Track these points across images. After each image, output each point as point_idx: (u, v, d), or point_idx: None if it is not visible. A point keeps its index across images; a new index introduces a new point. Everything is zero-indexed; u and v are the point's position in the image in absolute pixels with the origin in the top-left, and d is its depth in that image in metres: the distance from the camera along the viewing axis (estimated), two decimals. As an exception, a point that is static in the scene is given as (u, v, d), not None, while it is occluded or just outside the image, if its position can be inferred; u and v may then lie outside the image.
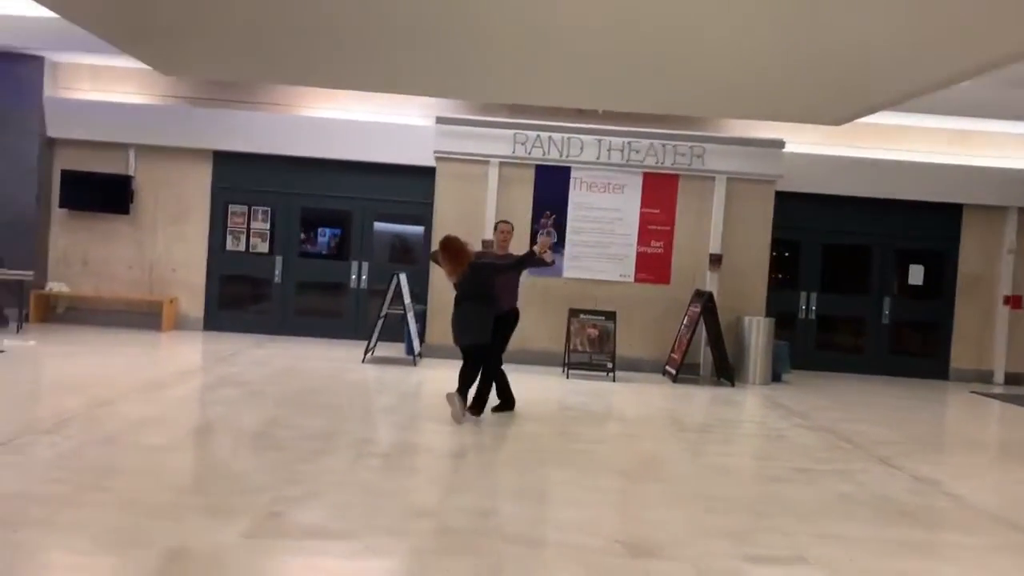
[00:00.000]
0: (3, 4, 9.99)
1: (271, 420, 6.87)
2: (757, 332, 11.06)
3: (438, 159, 11.24)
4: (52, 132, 12.00)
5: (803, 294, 12.76)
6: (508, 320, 7.65)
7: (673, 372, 10.79)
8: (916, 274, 12.82)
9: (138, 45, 7.84)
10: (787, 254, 12.93)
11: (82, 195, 12.13)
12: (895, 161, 12.22)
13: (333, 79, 9.95)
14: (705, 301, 10.64)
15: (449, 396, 7.08)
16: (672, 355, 11.09)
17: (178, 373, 8.91)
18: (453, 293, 10.95)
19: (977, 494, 5.99)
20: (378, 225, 12.69)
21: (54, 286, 12.04)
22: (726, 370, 10.78)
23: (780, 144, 11.40)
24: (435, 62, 8.58)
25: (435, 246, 7.60)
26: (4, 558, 3.62)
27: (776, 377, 11.31)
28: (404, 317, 10.52)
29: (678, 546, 4.43)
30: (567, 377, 10.35)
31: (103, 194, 12.15)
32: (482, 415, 7.40)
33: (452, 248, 7.14)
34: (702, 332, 10.99)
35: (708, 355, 11.16)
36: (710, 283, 11.36)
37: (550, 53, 7.67)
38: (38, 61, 11.76)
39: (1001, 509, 5.65)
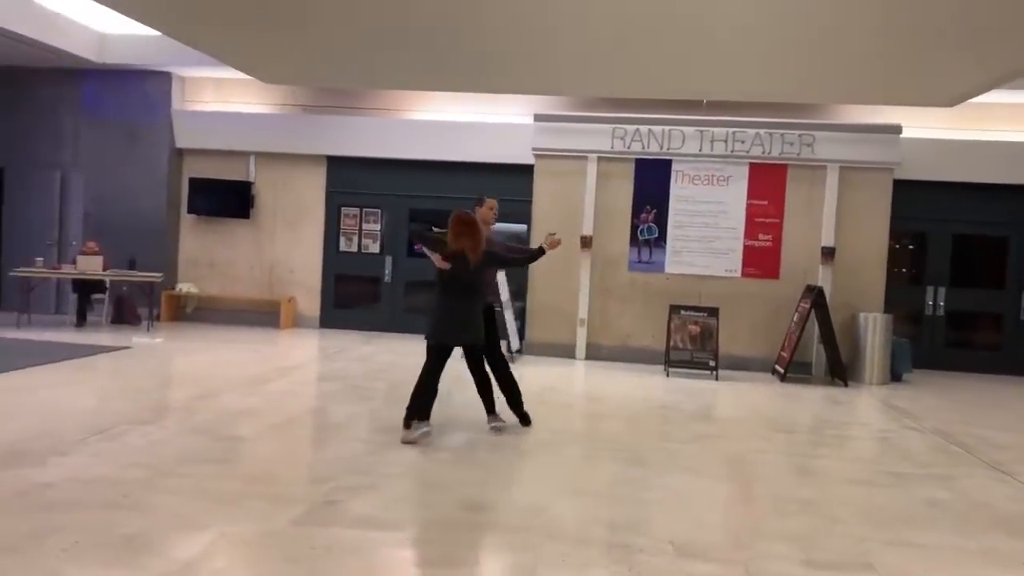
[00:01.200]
0: (132, 25, 10.75)
1: (357, 414, 7.06)
2: (873, 329, 10.44)
3: (536, 156, 11.24)
4: (180, 143, 12.82)
5: (930, 289, 11.95)
6: (493, 316, 6.81)
7: (781, 371, 10.34)
8: (1061, 266, 11.75)
9: (237, 57, 8.25)
10: (911, 246, 12.14)
11: (208, 201, 12.89)
12: (1034, 143, 11.26)
13: (426, 82, 10.19)
14: (815, 296, 10.14)
15: (494, 428, 6.46)
16: (781, 353, 10.64)
17: (283, 368, 9.31)
18: (548, 290, 11.03)
19: (1096, 505, 5.43)
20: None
21: (183, 287, 12.85)
22: (839, 369, 10.24)
23: (897, 129, 10.71)
24: (535, 61, 8.63)
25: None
26: (67, 537, 3.88)
27: (896, 377, 10.63)
28: (501, 314, 10.56)
29: (734, 548, 4.24)
30: (667, 375, 10.11)
31: (226, 200, 12.87)
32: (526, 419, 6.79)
33: (475, 225, 6.10)
34: (814, 329, 10.49)
35: (821, 353, 10.64)
36: (822, 278, 10.81)
37: (650, 45, 7.55)
38: (166, 76, 12.58)
39: (1121, 522, 5.09)
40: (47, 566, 3.56)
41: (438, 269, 6.10)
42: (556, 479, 5.49)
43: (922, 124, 11.18)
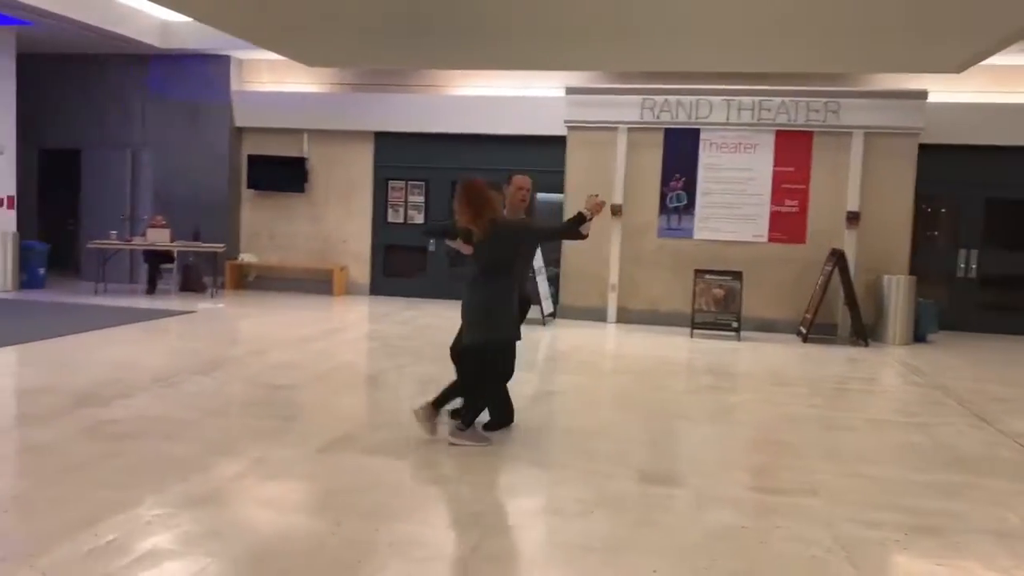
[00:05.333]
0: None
1: (388, 368, 7.79)
2: (897, 291, 10.70)
3: (569, 128, 11.74)
4: (239, 122, 13.70)
5: (962, 251, 12.07)
6: (523, 310, 5.75)
7: (804, 332, 10.71)
8: (1097, 227, 11.75)
9: (278, 43, 8.97)
10: (943, 210, 12.27)
11: (266, 177, 13.77)
12: (1067, 105, 11.25)
13: (464, 61, 10.74)
14: (837, 259, 10.46)
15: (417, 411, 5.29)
16: (805, 315, 10.99)
17: (330, 330, 10.11)
18: (580, 256, 11.57)
19: (1061, 448, 5.79)
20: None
21: (245, 257, 13.79)
22: (861, 330, 10.55)
23: (922, 95, 10.87)
24: (569, 38, 9.10)
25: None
26: (126, 459, 4.68)
27: (920, 338, 10.89)
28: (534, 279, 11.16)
29: (694, 476, 4.80)
30: (691, 337, 10.58)
31: (283, 175, 13.72)
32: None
33: (473, 192, 5.06)
34: (839, 292, 10.81)
35: (846, 315, 10.96)
36: (848, 242, 11.10)
37: (679, 21, 7.96)
38: (225, 59, 13.44)
39: (1077, 462, 5.45)
40: (108, 478, 4.35)
41: (467, 257, 5.25)
42: (556, 417, 6.10)
43: (950, 89, 11.26)
